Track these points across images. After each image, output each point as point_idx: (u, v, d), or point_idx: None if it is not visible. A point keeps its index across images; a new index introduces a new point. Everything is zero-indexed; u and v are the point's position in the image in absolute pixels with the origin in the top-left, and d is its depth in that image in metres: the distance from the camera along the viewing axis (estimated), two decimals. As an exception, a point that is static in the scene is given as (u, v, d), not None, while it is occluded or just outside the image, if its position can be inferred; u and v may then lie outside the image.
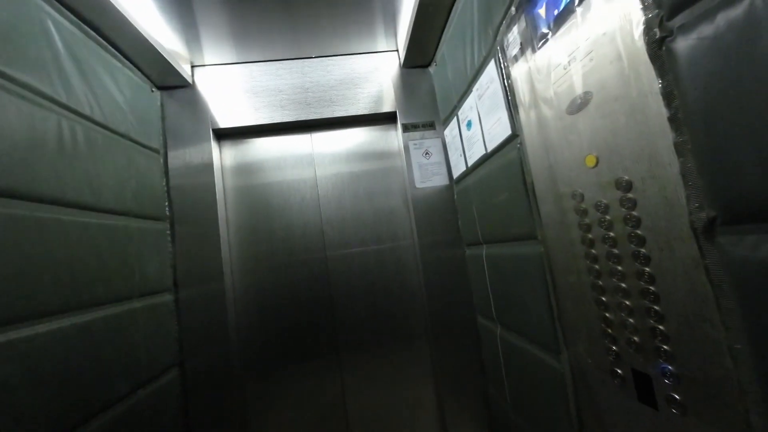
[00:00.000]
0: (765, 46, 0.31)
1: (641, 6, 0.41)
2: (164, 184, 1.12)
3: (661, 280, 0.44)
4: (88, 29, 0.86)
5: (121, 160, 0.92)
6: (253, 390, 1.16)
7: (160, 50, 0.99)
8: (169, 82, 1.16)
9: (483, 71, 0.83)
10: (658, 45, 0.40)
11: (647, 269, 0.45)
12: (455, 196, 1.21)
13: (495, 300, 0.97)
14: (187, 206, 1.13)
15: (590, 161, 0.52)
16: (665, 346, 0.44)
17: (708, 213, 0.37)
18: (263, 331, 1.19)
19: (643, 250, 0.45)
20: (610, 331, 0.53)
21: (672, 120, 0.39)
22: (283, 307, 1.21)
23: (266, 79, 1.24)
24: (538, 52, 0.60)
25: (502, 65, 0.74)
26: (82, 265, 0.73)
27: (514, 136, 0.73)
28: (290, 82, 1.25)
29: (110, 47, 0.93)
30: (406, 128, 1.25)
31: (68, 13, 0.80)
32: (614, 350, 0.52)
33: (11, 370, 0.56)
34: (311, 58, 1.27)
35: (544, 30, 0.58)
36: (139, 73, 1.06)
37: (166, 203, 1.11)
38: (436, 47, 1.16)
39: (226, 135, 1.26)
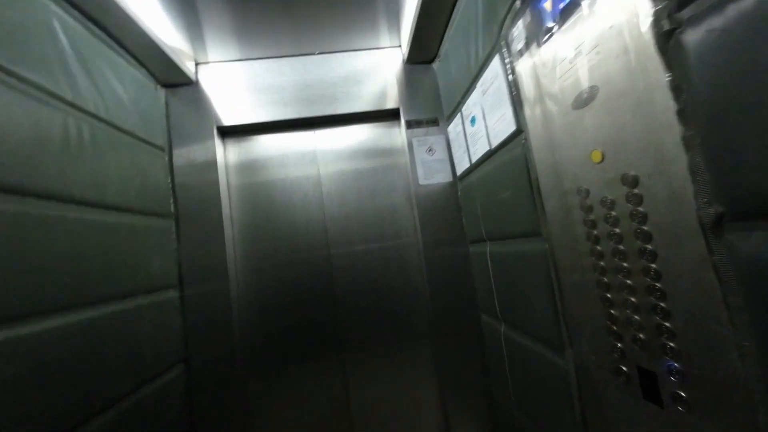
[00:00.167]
0: (777, 37, 0.30)
1: (649, -2, 0.40)
2: (169, 181, 1.13)
3: (668, 276, 0.43)
4: (93, 27, 0.86)
5: (126, 157, 0.92)
6: (256, 387, 1.17)
7: (164, 48, 1.00)
8: (173, 80, 1.16)
9: (487, 66, 0.82)
10: (666, 37, 0.39)
11: (653, 266, 0.45)
12: (459, 193, 1.20)
13: (499, 297, 0.96)
14: (192, 204, 1.14)
15: (596, 157, 0.51)
16: (671, 344, 0.43)
17: (716, 209, 0.36)
18: (267, 328, 1.20)
19: (649, 246, 0.45)
20: (615, 328, 0.52)
21: (680, 114, 0.38)
22: (287, 304, 1.21)
23: (269, 76, 1.24)
24: (544, 47, 0.59)
25: (506, 60, 0.73)
26: (87, 262, 0.74)
27: (519, 131, 0.72)
28: (293, 79, 1.25)
29: (115, 45, 0.94)
30: (409, 125, 1.25)
31: (73, 11, 0.80)
32: (619, 347, 0.52)
33: (18, 365, 0.56)
34: (314, 54, 1.27)
35: (550, 24, 0.57)
36: (144, 71, 1.07)
37: (172, 200, 1.12)
38: (440, 43, 1.15)
39: (229, 132, 1.26)
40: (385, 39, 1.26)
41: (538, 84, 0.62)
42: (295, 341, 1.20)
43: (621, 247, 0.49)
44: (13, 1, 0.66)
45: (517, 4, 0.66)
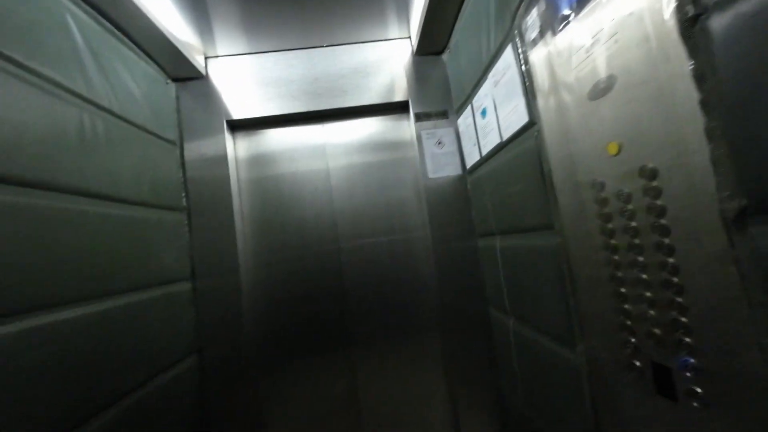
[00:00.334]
0: (811, 22, 0.28)
1: (673, -18, 0.38)
2: (181, 175, 1.14)
3: (686, 271, 0.42)
4: (105, 21, 0.87)
5: (139, 152, 0.94)
6: (266, 379, 1.19)
7: (174, 42, 1.00)
8: (183, 74, 1.17)
9: (499, 57, 0.80)
10: (690, 23, 0.37)
11: (671, 260, 0.44)
12: (468, 187, 1.19)
13: (508, 292, 0.96)
14: (204, 198, 1.15)
15: (612, 149, 0.50)
16: (687, 339, 0.43)
17: (739, 202, 0.35)
18: (277, 321, 1.22)
19: (667, 240, 0.44)
20: (628, 323, 0.52)
21: (703, 104, 0.37)
22: (296, 298, 1.23)
23: (278, 70, 1.24)
24: (559, 35, 0.58)
25: (519, 50, 0.72)
26: (104, 254, 0.76)
27: (532, 123, 0.71)
28: (301, 71, 1.24)
29: (126, 39, 0.95)
30: (418, 117, 1.23)
31: (85, 6, 0.81)
32: (633, 342, 0.51)
33: (40, 353, 0.58)
34: (322, 47, 1.26)
35: (566, 11, 0.55)
36: (154, 65, 1.08)
37: (183, 194, 1.14)
38: (450, 33, 1.13)
39: (239, 126, 1.27)
40: (394, 30, 1.24)
41: (552, 74, 0.61)
42: (305, 334, 1.22)
43: (637, 241, 0.48)
44: (28, -4, 0.67)
45: (532, -9, 0.65)
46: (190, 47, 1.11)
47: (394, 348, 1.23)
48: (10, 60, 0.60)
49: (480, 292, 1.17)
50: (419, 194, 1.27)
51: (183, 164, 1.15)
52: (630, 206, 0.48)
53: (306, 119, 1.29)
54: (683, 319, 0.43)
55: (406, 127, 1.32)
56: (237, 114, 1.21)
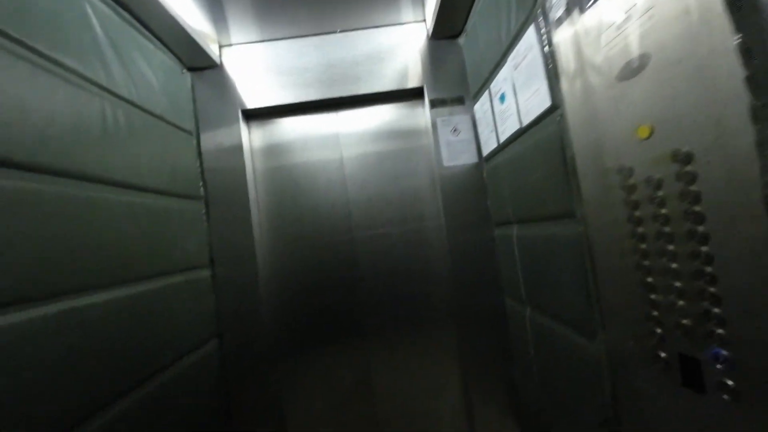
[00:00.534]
0: None
1: (719, -52, 0.35)
2: (198, 165, 1.16)
3: (721, 260, 0.40)
4: (123, 11, 0.88)
5: (158, 142, 0.95)
6: (282, 364, 1.22)
7: (189, 31, 1.00)
8: (199, 63, 1.17)
9: (520, 39, 0.77)
10: (737, -6, 0.35)
11: (704, 249, 0.42)
12: (485, 175, 1.17)
13: (525, 281, 0.94)
14: (220, 188, 1.17)
15: (643, 132, 0.48)
16: (720, 330, 0.41)
17: (785, 186, 0.33)
18: (292, 308, 1.24)
19: (701, 228, 0.42)
20: (655, 313, 0.50)
21: (750, 81, 0.34)
22: (311, 287, 1.24)
23: (291, 57, 1.23)
24: (587, 12, 0.55)
25: (542, 30, 0.69)
26: (129, 241, 0.78)
27: (555, 107, 0.68)
28: (315, 59, 1.23)
29: (143, 29, 0.95)
30: (433, 104, 1.21)
31: (103, -4, 0.82)
32: (658, 333, 0.50)
33: (74, 335, 0.61)
34: (335, 32, 1.24)
35: (595, -14, 0.52)
36: (171, 55, 1.08)
37: (201, 184, 1.16)
38: (467, 15, 1.09)
39: (254, 115, 1.27)
40: (408, 14, 1.21)
41: (579, 54, 0.58)
42: (320, 323, 1.24)
43: (667, 229, 0.46)
44: (49, -12, 0.67)
45: (557, -34, 0.61)
46: (205, 36, 1.11)
47: (407, 338, 1.24)
48: (34, 51, 0.61)
49: (495, 282, 1.16)
50: (434, 183, 1.25)
51: (200, 154, 1.17)
52: (660, 192, 0.46)
53: (320, 107, 1.28)
54: (716, 310, 0.41)
55: (420, 115, 1.29)
56: (251, 103, 1.21)
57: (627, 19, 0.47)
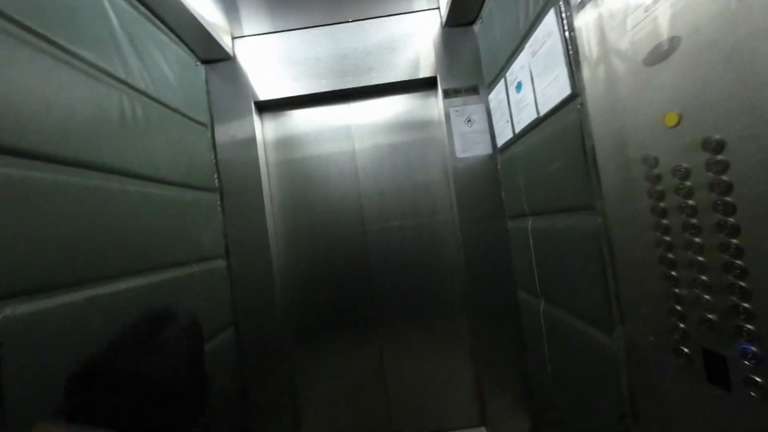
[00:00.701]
0: None
1: None
2: (212, 157, 1.18)
3: (752, 253, 0.39)
4: (139, 5, 0.88)
5: (175, 134, 0.97)
6: (296, 353, 1.25)
7: (203, 23, 1.00)
8: (212, 56, 1.18)
9: (539, 24, 0.75)
10: (781, -32, 0.32)
11: (734, 241, 0.40)
12: (499, 166, 1.15)
13: (540, 274, 0.93)
14: (234, 180, 1.19)
15: (670, 120, 0.46)
16: (749, 326, 0.40)
17: (828, 175, 0.31)
18: (306, 299, 1.26)
19: (731, 219, 0.40)
20: (678, 307, 0.49)
21: (792, 63, 0.32)
22: (324, 278, 1.26)
23: (304, 48, 1.22)
24: (612, -6, 0.52)
25: (563, 15, 0.66)
26: (148, 231, 0.80)
27: (575, 96, 0.66)
28: (327, 49, 1.22)
29: (158, 22, 0.96)
30: (447, 94, 1.19)
31: (119, -11, 0.82)
32: (682, 328, 0.48)
33: (99, 320, 0.64)
34: (348, 22, 1.22)
35: (622, -34, 0.50)
36: (185, 48, 1.09)
37: (215, 176, 1.17)
38: (483, 2, 1.06)
39: (266, 107, 1.28)
40: (422, 1, 1.18)
41: (602, 39, 0.56)
42: (332, 314, 1.25)
43: (694, 220, 0.45)
44: (67, -19, 0.68)
45: (581, -54, 0.59)
46: (218, 28, 1.12)
47: (420, 329, 1.25)
48: (55, 44, 0.62)
49: (508, 275, 1.15)
50: (447, 175, 1.24)
51: (214, 146, 1.18)
52: (688, 183, 0.44)
53: (332, 98, 1.27)
54: (746, 305, 0.40)
55: (433, 105, 1.27)
56: (264, 95, 1.22)
57: (656, 1, 0.45)
